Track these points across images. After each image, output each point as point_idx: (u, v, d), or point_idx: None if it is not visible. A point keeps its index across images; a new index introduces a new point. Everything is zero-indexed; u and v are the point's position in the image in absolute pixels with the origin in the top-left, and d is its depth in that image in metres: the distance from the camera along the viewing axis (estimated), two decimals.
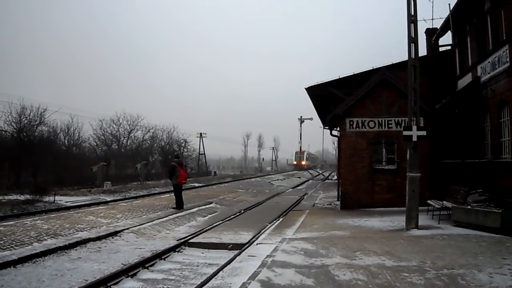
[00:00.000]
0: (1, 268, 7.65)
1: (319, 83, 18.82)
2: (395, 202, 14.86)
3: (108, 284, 7.08)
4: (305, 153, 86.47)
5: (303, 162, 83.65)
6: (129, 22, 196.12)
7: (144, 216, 14.17)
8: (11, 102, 35.16)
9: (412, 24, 11.44)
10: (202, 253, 10.00)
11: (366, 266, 7.25)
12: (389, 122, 16.07)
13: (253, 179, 38.85)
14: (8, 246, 8.98)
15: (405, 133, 11.30)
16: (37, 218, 12.80)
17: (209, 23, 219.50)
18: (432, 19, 18.01)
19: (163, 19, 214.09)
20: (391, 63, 16.95)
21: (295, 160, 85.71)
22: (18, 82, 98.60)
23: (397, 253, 8.24)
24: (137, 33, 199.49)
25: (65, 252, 9.26)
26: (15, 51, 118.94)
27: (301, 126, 79.76)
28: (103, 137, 50.94)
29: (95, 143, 50.31)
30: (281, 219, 14.95)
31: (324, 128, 30.71)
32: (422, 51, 16.16)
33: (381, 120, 16.15)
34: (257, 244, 10.31)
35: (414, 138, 11.10)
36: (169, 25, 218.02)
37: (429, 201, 13.30)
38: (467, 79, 15.54)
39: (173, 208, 16.07)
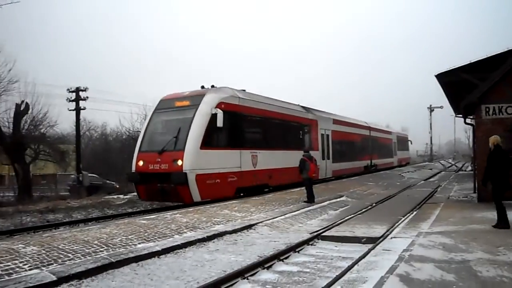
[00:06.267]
0: (147, 258, 8.34)
1: (449, 69, 17.87)
2: None
3: (245, 275, 7.37)
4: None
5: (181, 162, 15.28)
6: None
7: (276, 210, 14.60)
8: None
9: None
10: (335, 246, 10.11)
11: (511, 263, 6.96)
12: None
13: (382, 172, 37.76)
14: (151, 238, 9.65)
15: None
16: (176, 212, 13.44)
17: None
18: None
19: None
20: None
21: (138, 161, 16.37)
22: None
23: None
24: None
25: (204, 244, 9.80)
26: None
27: (430, 115, 71.89)
28: None
29: None
30: (414, 212, 14.64)
31: (456, 116, 28.95)
32: None
33: None
34: (391, 238, 10.28)
35: None
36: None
37: None
38: None
39: (305, 201, 16.44)
